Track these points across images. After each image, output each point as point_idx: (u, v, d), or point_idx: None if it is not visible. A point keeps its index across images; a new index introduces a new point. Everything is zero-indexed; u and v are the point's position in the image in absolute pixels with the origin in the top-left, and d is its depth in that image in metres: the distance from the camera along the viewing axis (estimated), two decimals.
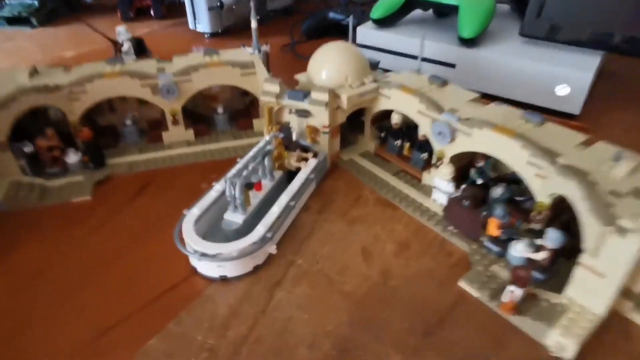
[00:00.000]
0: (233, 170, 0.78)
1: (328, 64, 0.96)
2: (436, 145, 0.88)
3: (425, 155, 0.95)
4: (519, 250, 0.73)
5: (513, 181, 0.86)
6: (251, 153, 0.85)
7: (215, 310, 0.70)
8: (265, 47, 1.15)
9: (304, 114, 0.95)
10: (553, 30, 1.21)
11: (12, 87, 0.90)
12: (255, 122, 1.11)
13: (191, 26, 1.75)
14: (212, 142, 1.08)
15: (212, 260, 0.71)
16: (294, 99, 0.94)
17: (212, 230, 0.79)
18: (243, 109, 1.17)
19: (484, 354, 0.63)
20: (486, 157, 0.87)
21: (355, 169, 1.00)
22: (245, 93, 1.17)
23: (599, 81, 1.35)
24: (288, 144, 0.94)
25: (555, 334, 0.62)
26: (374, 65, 1.05)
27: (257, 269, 0.76)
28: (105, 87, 0.98)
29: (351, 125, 1.09)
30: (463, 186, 0.83)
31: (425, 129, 0.90)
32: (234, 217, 0.78)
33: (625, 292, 0.66)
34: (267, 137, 0.87)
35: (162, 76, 0.99)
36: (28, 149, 0.95)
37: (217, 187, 0.83)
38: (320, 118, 0.94)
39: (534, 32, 1.24)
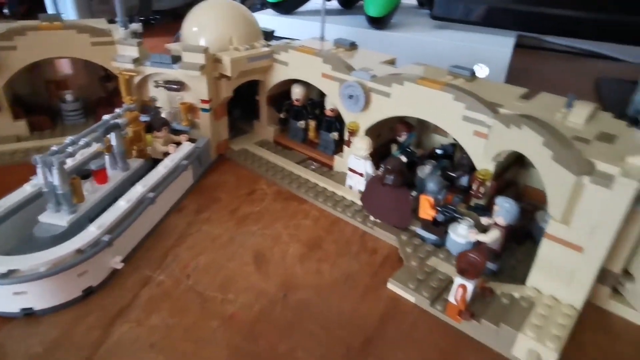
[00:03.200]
0: (54, 147, 0.52)
1: (207, 25, 0.75)
2: (347, 116, 0.70)
3: (335, 134, 0.76)
4: (462, 233, 0.55)
5: (443, 157, 0.69)
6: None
7: None
8: (136, 25, 0.91)
9: (175, 86, 0.72)
10: (466, 10, 1.12)
11: None
12: None
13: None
14: (54, 137, 0.80)
15: (4, 284, 0.44)
16: (160, 64, 0.70)
17: (26, 240, 0.51)
18: (104, 97, 0.91)
19: None
20: (409, 129, 0.69)
21: (249, 160, 0.78)
22: (107, 78, 0.91)
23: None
24: (153, 124, 0.69)
25: (526, 341, 0.43)
26: (269, 35, 0.86)
27: (89, 293, 0.49)
28: None
29: (245, 111, 0.88)
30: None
31: (333, 99, 0.71)
32: (55, 219, 0.51)
33: (602, 275, 0.49)
34: (118, 110, 0.62)
35: None
36: None
37: (35, 181, 0.56)
38: (197, 90, 0.71)
39: (446, 13, 1.14)
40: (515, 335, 0.44)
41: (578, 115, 0.52)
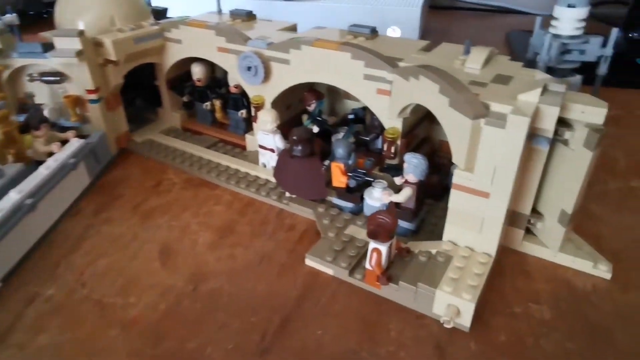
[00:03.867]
0: None
1: (83, 5, 0.67)
2: (250, 90, 0.65)
3: (243, 112, 0.71)
4: (377, 197, 0.53)
5: (356, 122, 0.67)
6: None
7: None
8: (10, 17, 0.81)
9: (52, 78, 0.64)
10: None
11: None
12: None
13: None
14: None
15: None
16: (30, 54, 0.62)
17: None
18: None
19: (353, 352, 0.40)
20: (318, 97, 0.66)
21: (154, 150, 0.72)
22: None
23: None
24: (31, 124, 0.61)
25: (443, 296, 0.42)
26: (160, 14, 0.79)
27: None
28: None
29: (148, 100, 0.81)
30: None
31: (234, 74, 0.67)
32: None
33: (512, 218, 0.49)
34: None
35: None
36: None
37: None
38: (80, 80, 0.64)
39: None
40: (434, 293, 0.42)
41: (475, 61, 0.51)
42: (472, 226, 0.45)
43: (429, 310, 0.44)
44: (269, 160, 0.64)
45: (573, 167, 0.44)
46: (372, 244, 0.44)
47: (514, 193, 0.44)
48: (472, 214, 0.44)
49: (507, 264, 0.50)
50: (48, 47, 0.62)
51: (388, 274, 0.45)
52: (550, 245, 0.49)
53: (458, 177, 0.44)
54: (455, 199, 0.45)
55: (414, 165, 0.48)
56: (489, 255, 0.45)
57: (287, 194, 0.60)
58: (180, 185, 0.65)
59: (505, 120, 0.39)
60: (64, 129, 0.65)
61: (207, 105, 0.74)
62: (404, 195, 0.49)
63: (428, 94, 0.46)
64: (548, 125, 0.41)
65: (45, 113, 0.65)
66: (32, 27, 1.02)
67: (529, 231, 0.51)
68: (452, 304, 0.42)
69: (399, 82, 0.51)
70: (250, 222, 0.57)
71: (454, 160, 0.44)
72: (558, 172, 0.46)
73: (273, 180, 0.62)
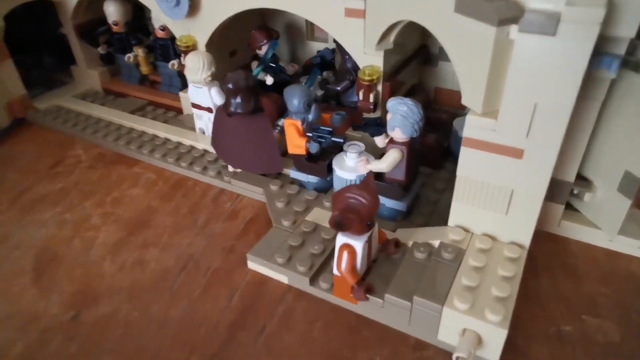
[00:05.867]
0: None
1: None
2: (175, 28, 0.48)
3: (174, 62, 0.53)
4: (349, 166, 0.36)
5: (322, 67, 0.50)
6: None
7: None
8: None
9: None
10: None
11: None
12: None
13: None
14: None
15: None
16: None
17: None
18: None
19: None
20: (269, 36, 0.49)
21: (60, 119, 0.54)
22: None
23: None
24: None
25: (455, 317, 0.26)
26: None
27: None
28: None
29: (61, 58, 0.63)
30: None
31: (155, 8, 0.49)
32: None
33: (550, 188, 0.33)
34: None
35: None
36: None
37: None
38: None
39: None
40: (440, 311, 0.27)
41: None
42: (494, 203, 0.29)
43: (432, 337, 0.28)
44: (207, 123, 0.47)
45: None
46: (341, 238, 0.28)
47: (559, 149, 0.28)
48: (495, 184, 0.28)
49: (542, 256, 0.34)
50: None
51: (367, 284, 0.29)
52: (604, 225, 0.34)
53: (472, 127, 0.27)
54: (466, 162, 0.29)
55: (401, 115, 0.32)
56: (520, 247, 0.30)
57: (230, 168, 0.43)
58: (87, 164, 0.48)
59: (559, 19, 0.22)
60: None
61: (129, 57, 0.56)
62: (389, 161, 0.33)
63: (420, 2, 0.30)
64: (625, 30, 0.25)
65: None
66: None
67: (569, 206, 0.36)
68: (470, 328, 0.26)
69: None
70: (175, 211, 0.41)
71: (464, 101, 0.28)
72: (622, 116, 0.30)
73: (213, 150, 0.46)
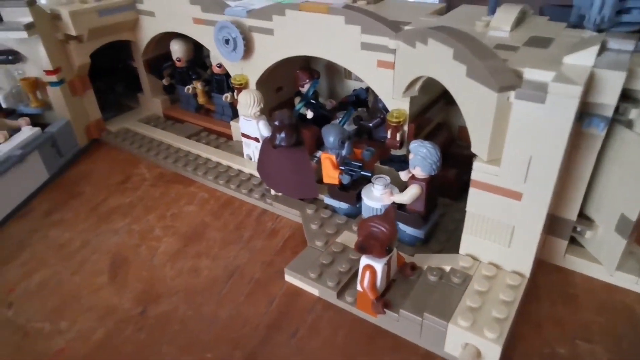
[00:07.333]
0: None
1: None
2: (231, 68, 0.55)
3: (227, 95, 0.61)
4: (376, 196, 0.42)
5: (357, 105, 0.56)
6: None
7: None
8: None
9: (4, 56, 0.56)
10: None
11: None
12: None
13: None
14: None
15: None
16: None
17: None
18: None
19: None
20: (311, 76, 0.56)
21: (128, 141, 0.63)
22: None
23: None
24: None
25: (459, 332, 0.31)
26: None
27: None
28: None
29: (130, 85, 0.72)
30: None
31: (215, 50, 0.56)
32: None
33: (552, 225, 0.38)
34: None
35: None
36: None
37: None
38: (36, 59, 0.55)
39: None
40: (446, 327, 0.31)
41: (503, 20, 0.39)
42: (498, 237, 0.34)
43: (439, 348, 0.33)
44: (255, 151, 0.54)
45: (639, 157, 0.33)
46: (364, 260, 0.34)
47: (555, 193, 0.32)
48: (498, 220, 0.33)
49: (545, 285, 0.38)
50: None
51: (385, 299, 0.34)
52: (604, 261, 0.38)
53: (479, 171, 0.32)
54: (475, 200, 0.34)
55: (421, 156, 0.37)
56: (521, 276, 0.34)
57: (273, 192, 0.50)
58: (150, 182, 0.55)
59: (546, 91, 0.27)
60: (22, 117, 0.57)
61: (188, 88, 0.65)
62: (410, 195, 0.38)
63: (439, 63, 0.35)
64: (608, 98, 0.30)
65: (0, 97, 0.57)
66: None
67: (574, 241, 0.40)
68: (471, 343, 0.31)
69: (404, 50, 0.40)
70: (224, 226, 0.47)
71: (473, 149, 0.33)
72: (617, 165, 0.34)
73: (258, 175, 0.52)
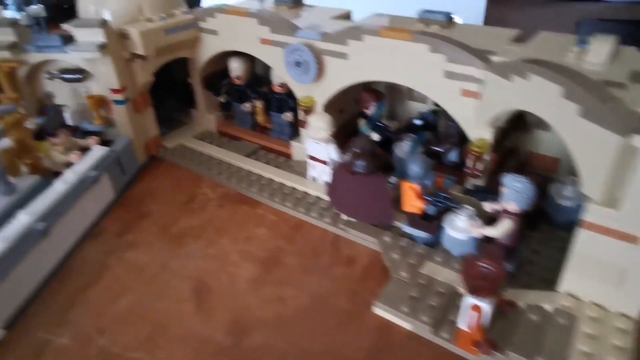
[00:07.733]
0: None
1: None
2: (299, 90, 0.55)
3: (288, 115, 0.61)
4: (461, 227, 0.42)
5: (423, 129, 0.56)
6: None
7: None
8: (36, 9, 0.74)
9: (73, 76, 0.56)
10: None
11: None
12: None
13: None
14: None
15: None
16: (48, 48, 0.54)
17: None
18: None
19: None
20: (378, 98, 0.55)
21: (187, 158, 0.63)
22: None
23: None
24: (48, 129, 0.53)
25: None
26: (194, 1, 0.70)
27: None
28: None
29: (181, 100, 0.72)
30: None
31: (279, 71, 0.57)
32: None
33: None
34: None
35: None
36: None
37: None
38: (104, 77, 0.55)
39: None
40: None
41: (597, 53, 0.39)
42: (608, 277, 0.34)
43: None
44: (321, 173, 0.54)
45: None
46: (471, 300, 0.33)
47: None
48: (610, 262, 0.33)
49: None
50: (68, 40, 0.54)
51: (491, 340, 0.34)
52: None
53: (593, 214, 0.32)
54: (584, 241, 0.33)
55: (517, 191, 0.37)
56: (629, 318, 0.34)
57: (344, 217, 0.50)
58: (216, 202, 0.55)
59: None
60: (87, 134, 0.57)
61: (246, 106, 0.64)
62: (503, 229, 0.38)
63: (543, 99, 0.35)
64: None
65: (66, 116, 0.57)
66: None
67: None
68: None
69: (495, 81, 0.40)
70: (300, 252, 0.47)
71: (584, 190, 0.33)
72: None
73: (325, 197, 0.52)
